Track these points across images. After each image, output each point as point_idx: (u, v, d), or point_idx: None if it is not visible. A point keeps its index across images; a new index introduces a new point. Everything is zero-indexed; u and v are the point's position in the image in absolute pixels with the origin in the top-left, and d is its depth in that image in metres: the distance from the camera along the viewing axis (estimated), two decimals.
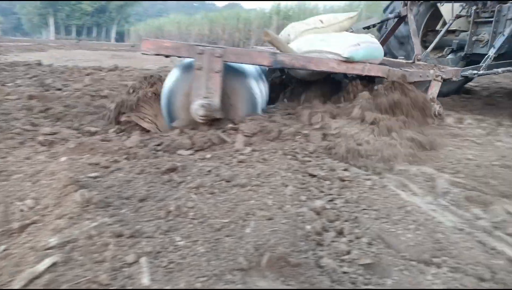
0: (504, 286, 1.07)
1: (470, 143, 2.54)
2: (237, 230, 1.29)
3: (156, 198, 1.52)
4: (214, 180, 1.71)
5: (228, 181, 1.70)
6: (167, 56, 2.62)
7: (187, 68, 2.57)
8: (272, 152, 2.12)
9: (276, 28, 20.67)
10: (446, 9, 4.80)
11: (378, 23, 4.54)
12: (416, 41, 3.83)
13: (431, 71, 3.26)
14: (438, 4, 4.83)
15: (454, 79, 3.48)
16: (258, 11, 24.33)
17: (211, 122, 2.51)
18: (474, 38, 4.25)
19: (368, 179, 1.81)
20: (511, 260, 1.22)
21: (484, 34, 4.15)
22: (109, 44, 26.95)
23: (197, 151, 2.22)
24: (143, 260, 1.11)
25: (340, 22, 3.46)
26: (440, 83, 3.23)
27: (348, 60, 2.82)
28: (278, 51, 2.89)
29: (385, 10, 5.27)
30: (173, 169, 1.84)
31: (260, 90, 2.76)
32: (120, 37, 44.00)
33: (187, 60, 2.62)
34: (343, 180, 1.82)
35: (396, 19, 4.29)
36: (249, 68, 2.77)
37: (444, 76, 3.26)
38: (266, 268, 1.11)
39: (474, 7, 4.29)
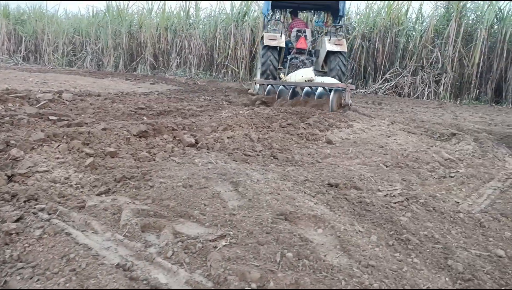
0: None
1: (172, 163, 2.77)
2: None
3: None
4: None
5: None
6: None
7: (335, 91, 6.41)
8: None
9: (5, 33, 17.48)
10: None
11: None
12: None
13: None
14: None
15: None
16: None
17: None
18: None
19: (41, 227, 1.64)
20: (157, 288, 1.33)
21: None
22: None
23: None
24: None
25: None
26: None
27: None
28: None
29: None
30: None
31: None
32: None
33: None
34: (10, 234, 1.58)
35: None
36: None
37: None
38: None
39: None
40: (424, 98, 11.35)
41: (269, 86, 7.23)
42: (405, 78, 11.73)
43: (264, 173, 2.72)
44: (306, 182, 2.61)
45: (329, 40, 8.34)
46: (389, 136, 5.22)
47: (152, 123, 3.81)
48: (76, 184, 2.24)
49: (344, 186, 2.60)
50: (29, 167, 2.28)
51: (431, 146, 4.67)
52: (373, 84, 12.38)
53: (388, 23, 12.21)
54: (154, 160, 2.84)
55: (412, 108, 9.13)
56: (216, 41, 14.56)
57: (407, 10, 12.30)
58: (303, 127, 4.99)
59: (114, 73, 14.80)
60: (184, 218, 1.91)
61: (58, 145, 2.62)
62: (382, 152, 4.16)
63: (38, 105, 4.85)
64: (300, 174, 2.84)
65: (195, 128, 4.17)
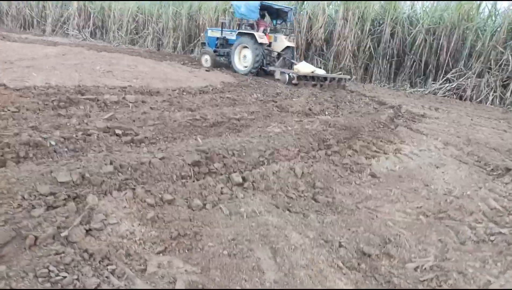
0: None
1: (220, 214, 3.09)
2: None
3: None
4: None
5: None
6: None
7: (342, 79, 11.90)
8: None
9: (76, 9, 18.60)
10: None
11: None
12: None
13: None
14: None
15: None
16: None
17: None
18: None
19: None
20: None
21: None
22: None
23: None
24: None
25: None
26: None
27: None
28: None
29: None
30: None
31: None
32: None
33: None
34: None
35: None
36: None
37: None
38: None
39: None
40: (488, 103, 10.68)
41: (291, 74, 10.99)
42: (469, 79, 11.06)
43: (302, 232, 2.95)
44: (340, 249, 2.81)
45: (285, 38, 12.24)
46: (437, 167, 5.16)
47: (205, 151, 4.16)
48: (139, 240, 2.63)
49: (377, 257, 2.77)
50: (102, 219, 2.71)
51: (480, 188, 4.58)
52: (433, 83, 11.81)
53: (457, 18, 11.41)
54: (205, 207, 3.17)
55: (472, 120, 8.69)
56: None
57: (479, 5, 11.37)
58: (348, 155, 5.10)
59: (172, 54, 15.38)
60: None
61: (125, 193, 3.03)
62: (425, 195, 4.18)
63: (105, 117, 5.37)
64: (337, 233, 3.04)
65: (244, 154, 4.46)
